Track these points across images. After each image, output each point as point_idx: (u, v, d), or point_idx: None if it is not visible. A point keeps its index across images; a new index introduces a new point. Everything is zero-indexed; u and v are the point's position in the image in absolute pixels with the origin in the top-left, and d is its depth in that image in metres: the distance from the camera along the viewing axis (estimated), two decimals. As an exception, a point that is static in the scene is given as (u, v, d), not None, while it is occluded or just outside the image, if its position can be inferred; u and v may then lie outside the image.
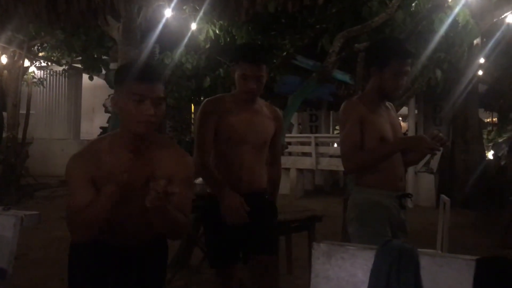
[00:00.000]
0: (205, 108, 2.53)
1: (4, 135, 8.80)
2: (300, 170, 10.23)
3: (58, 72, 11.99)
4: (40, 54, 10.28)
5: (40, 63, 10.97)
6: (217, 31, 6.94)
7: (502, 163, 9.49)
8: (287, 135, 9.67)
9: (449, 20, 4.77)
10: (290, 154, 10.45)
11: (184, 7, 5.87)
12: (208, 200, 2.59)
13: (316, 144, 10.04)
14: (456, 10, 4.66)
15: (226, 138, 2.50)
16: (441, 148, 2.32)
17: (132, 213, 1.83)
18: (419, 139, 2.35)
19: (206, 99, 2.58)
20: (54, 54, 10.04)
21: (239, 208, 2.39)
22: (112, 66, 8.87)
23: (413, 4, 5.38)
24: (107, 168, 1.76)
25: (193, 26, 6.74)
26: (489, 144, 11.62)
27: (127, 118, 1.73)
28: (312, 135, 10.77)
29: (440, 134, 2.31)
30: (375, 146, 2.37)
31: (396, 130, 2.51)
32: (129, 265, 1.93)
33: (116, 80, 1.81)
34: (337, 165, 9.04)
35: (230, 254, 2.56)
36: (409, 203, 2.56)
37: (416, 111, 10.77)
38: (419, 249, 1.66)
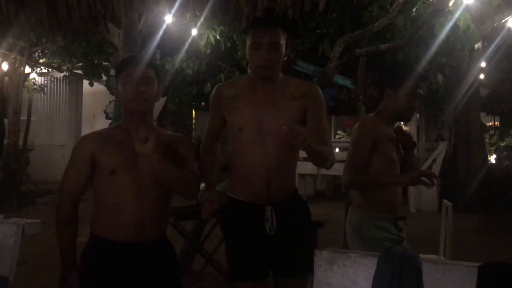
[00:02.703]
0: (213, 94, 2.21)
1: (5, 141, 8.80)
2: (301, 175, 10.20)
3: (58, 78, 12.00)
4: (41, 61, 10.31)
5: (41, 69, 10.99)
6: (218, 37, 6.95)
7: (505, 164, 9.50)
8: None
9: (449, 25, 4.77)
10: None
11: (185, 13, 5.88)
12: (228, 204, 2.22)
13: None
14: (457, 14, 4.66)
15: (237, 129, 2.11)
16: (433, 182, 2.31)
17: (140, 188, 1.90)
18: (413, 179, 2.36)
19: (217, 85, 2.26)
20: (55, 61, 10.07)
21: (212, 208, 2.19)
22: (113, 72, 8.89)
23: (413, 9, 5.39)
24: (114, 143, 1.94)
25: (194, 31, 6.76)
26: (491, 148, 11.61)
27: (124, 99, 1.97)
28: (314, 140, 10.73)
29: (430, 172, 2.39)
30: (377, 178, 2.43)
31: (398, 151, 2.57)
32: (141, 264, 1.91)
33: (116, 73, 2.05)
34: (339, 170, 8.95)
35: (256, 268, 2.11)
36: (412, 208, 2.58)
37: (417, 115, 10.77)
38: (422, 255, 1.65)
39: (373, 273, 1.57)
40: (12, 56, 8.83)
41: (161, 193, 1.96)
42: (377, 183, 2.45)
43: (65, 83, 12.00)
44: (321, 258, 1.64)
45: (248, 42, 2.04)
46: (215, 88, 2.22)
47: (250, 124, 2.08)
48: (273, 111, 2.08)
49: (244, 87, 2.14)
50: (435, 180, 2.29)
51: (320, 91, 2.22)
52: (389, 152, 2.46)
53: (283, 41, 2.02)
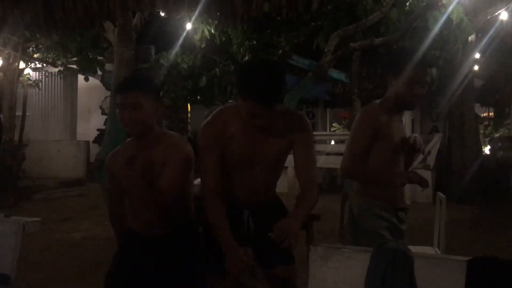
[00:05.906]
0: (209, 132, 2.13)
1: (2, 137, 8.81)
2: (297, 168, 10.24)
3: (53, 73, 11.96)
4: (35, 56, 10.26)
5: (36, 64, 10.94)
6: (213, 31, 6.97)
7: (499, 155, 9.55)
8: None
9: (443, 18, 4.81)
10: (287, 152, 10.45)
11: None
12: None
13: (313, 142, 10.03)
14: (450, 8, 4.70)
15: (233, 162, 2.16)
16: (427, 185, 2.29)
17: (136, 200, 2.13)
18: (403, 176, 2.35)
19: (205, 123, 2.15)
20: (49, 56, 10.03)
21: (243, 263, 1.98)
22: (108, 67, 8.90)
23: (407, 3, 5.41)
24: (121, 163, 2.10)
25: (189, 26, 6.77)
26: (486, 139, 11.67)
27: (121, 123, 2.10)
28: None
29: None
30: (372, 173, 2.41)
31: (402, 148, 2.50)
32: (158, 254, 2.12)
33: None
34: (334, 162, 9.06)
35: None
36: (407, 199, 2.58)
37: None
38: (415, 247, 1.70)
39: (367, 268, 1.62)
40: (6, 52, 8.80)
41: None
42: (371, 177, 2.42)
43: (60, 78, 11.95)
44: (315, 254, 1.68)
45: (246, 108, 1.99)
46: (208, 126, 2.13)
47: (243, 159, 2.15)
48: (264, 145, 2.14)
49: (236, 124, 2.11)
50: (428, 182, 2.29)
51: (308, 121, 2.28)
52: (391, 143, 2.39)
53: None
